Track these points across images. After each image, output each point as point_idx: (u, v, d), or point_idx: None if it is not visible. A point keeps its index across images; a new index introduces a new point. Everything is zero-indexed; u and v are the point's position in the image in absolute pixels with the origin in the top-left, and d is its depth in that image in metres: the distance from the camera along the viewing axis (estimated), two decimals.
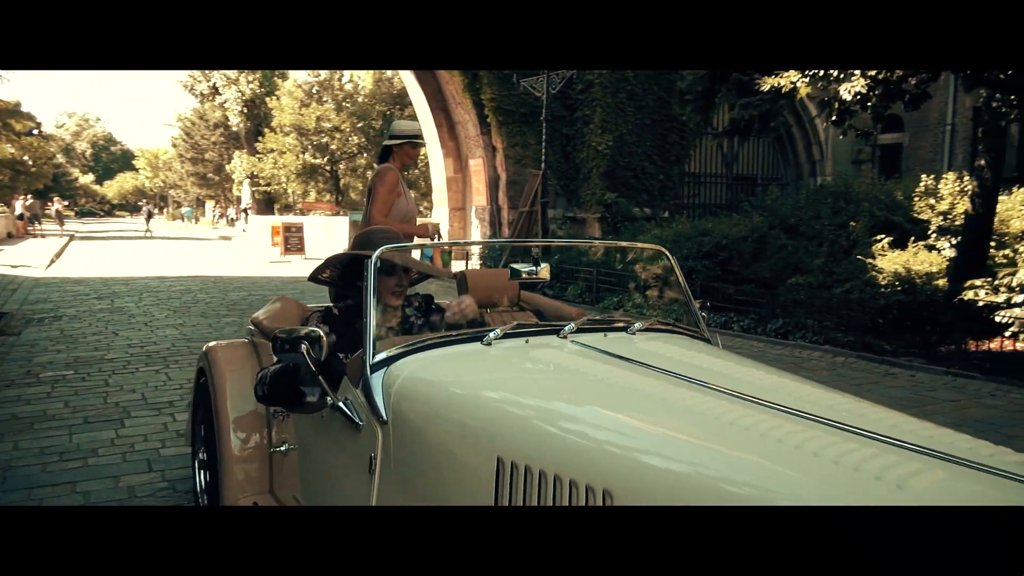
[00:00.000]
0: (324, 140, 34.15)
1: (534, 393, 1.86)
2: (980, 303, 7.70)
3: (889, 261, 9.95)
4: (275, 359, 2.09)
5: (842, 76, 7.68)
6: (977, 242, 9.30)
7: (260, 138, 36.08)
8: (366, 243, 2.69)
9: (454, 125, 17.05)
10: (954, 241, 10.85)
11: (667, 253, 2.62)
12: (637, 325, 2.37)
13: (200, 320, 8.76)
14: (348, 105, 34.93)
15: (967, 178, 10.83)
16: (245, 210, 37.63)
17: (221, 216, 45.44)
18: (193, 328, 8.18)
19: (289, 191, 37.61)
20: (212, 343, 3.06)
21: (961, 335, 7.62)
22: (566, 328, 2.25)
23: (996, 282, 7.84)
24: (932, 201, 12.01)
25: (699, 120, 10.30)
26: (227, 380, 2.80)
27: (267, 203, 38.63)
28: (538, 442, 1.62)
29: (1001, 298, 7.66)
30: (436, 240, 4.73)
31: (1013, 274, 7.70)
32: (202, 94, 40.94)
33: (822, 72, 7.70)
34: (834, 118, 7.86)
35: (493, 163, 15.89)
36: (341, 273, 2.79)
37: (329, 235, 25.13)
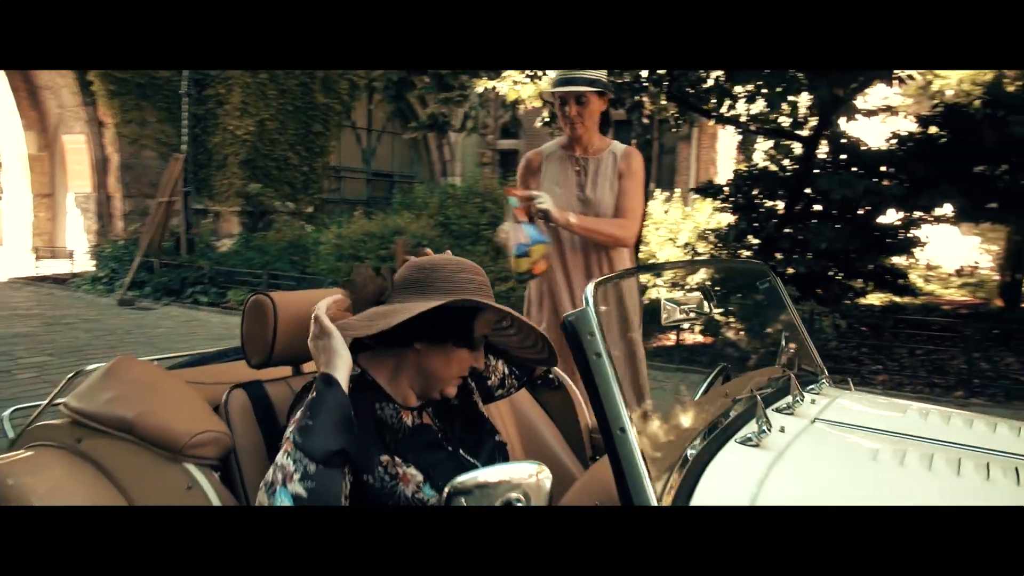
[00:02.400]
0: None
1: None
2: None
3: None
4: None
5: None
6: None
7: None
8: (421, 281, 1.51)
9: (37, 90, 13.54)
10: None
11: (772, 273, 1.97)
12: (825, 382, 1.70)
13: None
14: None
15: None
16: None
17: None
18: None
19: None
20: None
21: None
22: (790, 400, 1.48)
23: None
24: None
25: (398, 108, 9.56)
26: None
27: None
28: None
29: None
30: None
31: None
32: None
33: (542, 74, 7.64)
34: (546, 118, 7.88)
35: (101, 141, 12.98)
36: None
37: None
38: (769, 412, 1.45)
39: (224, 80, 13.43)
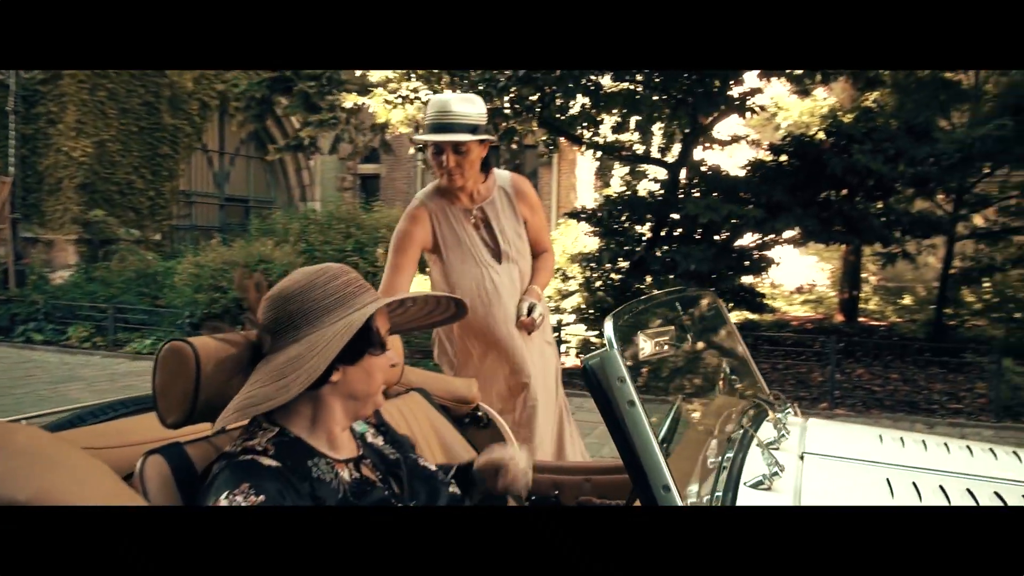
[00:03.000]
0: None
1: None
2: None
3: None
4: None
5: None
6: None
7: None
8: (307, 301, 1.32)
9: None
10: None
11: (717, 299, 1.94)
12: (789, 410, 1.67)
13: None
14: None
15: None
16: None
17: None
18: None
19: None
20: None
21: None
22: (775, 435, 1.42)
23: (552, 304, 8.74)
24: None
25: (254, 130, 9.08)
26: None
27: None
28: None
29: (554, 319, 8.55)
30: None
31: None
32: None
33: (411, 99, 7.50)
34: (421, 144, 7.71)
35: None
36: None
37: None
38: (758, 449, 1.38)
39: (57, 97, 12.30)
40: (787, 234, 8.54)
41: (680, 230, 8.70)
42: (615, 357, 0.98)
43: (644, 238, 8.73)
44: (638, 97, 8.06)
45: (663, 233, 8.81)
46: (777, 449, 1.39)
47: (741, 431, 1.39)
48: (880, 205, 8.51)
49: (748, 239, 8.77)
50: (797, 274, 16.11)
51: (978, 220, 9.58)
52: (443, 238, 2.49)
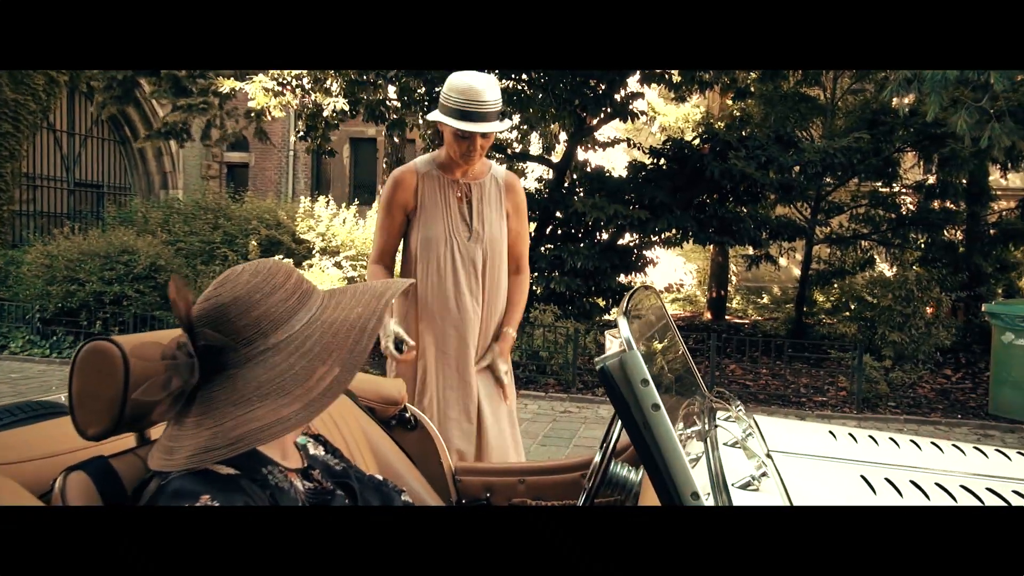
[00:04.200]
0: None
1: None
2: None
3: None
4: None
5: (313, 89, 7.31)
6: None
7: None
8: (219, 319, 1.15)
9: None
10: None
11: (655, 291, 1.93)
12: (740, 408, 1.67)
13: None
14: None
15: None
16: None
17: None
18: None
19: None
20: None
21: None
22: (740, 435, 1.41)
23: None
24: (312, 223, 12.52)
25: (113, 113, 8.40)
26: None
27: None
28: None
29: None
30: None
31: None
32: None
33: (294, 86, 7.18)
34: (301, 131, 7.37)
35: None
36: None
37: None
38: (725, 449, 1.37)
39: None
40: (664, 234, 8.86)
41: (563, 229, 8.84)
42: (637, 358, 0.93)
43: (530, 235, 8.79)
44: (524, 96, 8.09)
45: (547, 231, 8.92)
46: (744, 448, 1.39)
47: (705, 430, 1.38)
48: (745, 210, 9.00)
49: (627, 238, 9.02)
50: (665, 273, 16.82)
51: (832, 225, 10.32)
52: (422, 199, 2.47)
